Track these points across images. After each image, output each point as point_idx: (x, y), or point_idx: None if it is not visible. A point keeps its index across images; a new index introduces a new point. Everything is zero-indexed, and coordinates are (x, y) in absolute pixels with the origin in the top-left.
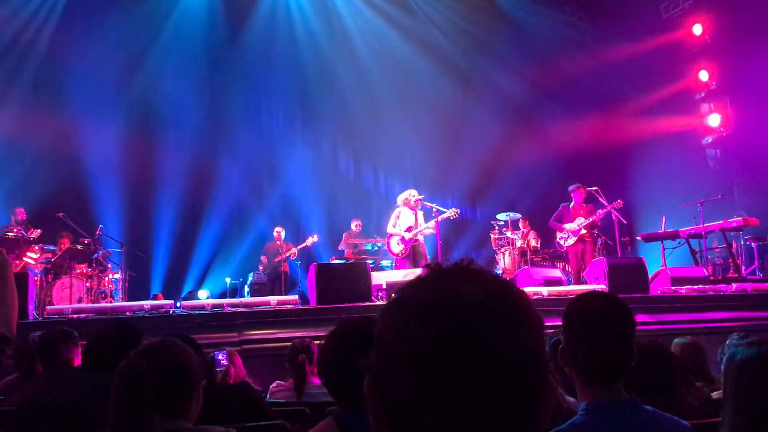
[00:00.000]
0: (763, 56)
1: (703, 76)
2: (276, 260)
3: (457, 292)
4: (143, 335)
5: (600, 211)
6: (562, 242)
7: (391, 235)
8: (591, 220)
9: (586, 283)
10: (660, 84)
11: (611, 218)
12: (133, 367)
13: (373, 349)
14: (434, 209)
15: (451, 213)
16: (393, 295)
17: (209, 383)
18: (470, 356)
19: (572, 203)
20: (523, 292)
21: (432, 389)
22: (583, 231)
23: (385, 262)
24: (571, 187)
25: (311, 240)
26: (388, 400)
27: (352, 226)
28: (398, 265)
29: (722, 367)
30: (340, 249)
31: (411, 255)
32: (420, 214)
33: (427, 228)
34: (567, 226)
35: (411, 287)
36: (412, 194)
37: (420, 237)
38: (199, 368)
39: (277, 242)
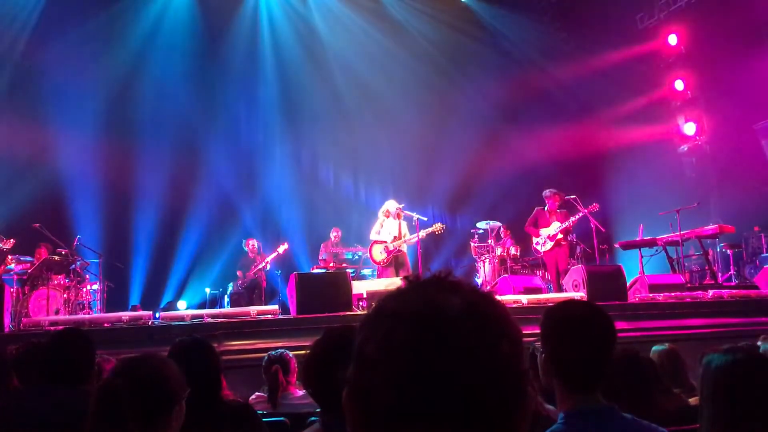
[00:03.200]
0: (738, 65)
1: (679, 85)
2: (252, 273)
3: (438, 303)
4: (91, 340)
5: (575, 216)
6: (538, 248)
7: (374, 242)
8: (567, 224)
9: (564, 291)
10: (636, 93)
11: (589, 226)
12: (110, 388)
13: (352, 360)
14: (414, 218)
15: (436, 228)
16: (373, 306)
17: (216, 397)
18: (451, 367)
19: (547, 207)
20: (502, 303)
21: (412, 400)
22: (560, 236)
23: (365, 271)
24: (546, 192)
25: (282, 248)
26: (368, 411)
27: (332, 236)
28: (380, 274)
29: (699, 373)
30: (320, 258)
31: (393, 264)
32: (404, 224)
33: (412, 239)
34: (543, 231)
35: (391, 298)
36: (393, 204)
37: (403, 247)
38: (179, 381)
39: (251, 255)
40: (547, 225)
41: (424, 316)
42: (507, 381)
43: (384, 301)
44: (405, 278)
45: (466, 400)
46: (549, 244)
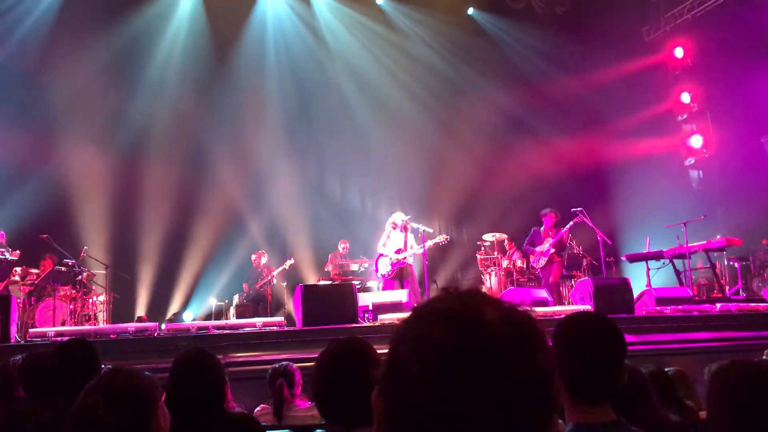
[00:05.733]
0: (744, 78)
1: (685, 98)
2: (258, 286)
3: (476, 309)
4: (96, 351)
5: (564, 229)
6: (535, 265)
7: (380, 255)
8: (557, 238)
9: (571, 304)
10: (643, 106)
11: (596, 239)
12: (86, 408)
13: (387, 361)
14: (420, 230)
15: (441, 239)
16: (413, 309)
17: (220, 409)
18: (487, 372)
19: (543, 227)
20: (537, 320)
21: (444, 402)
22: (552, 250)
23: (371, 283)
24: (543, 211)
25: (288, 263)
26: (398, 412)
27: (339, 248)
28: (385, 286)
29: (706, 387)
30: (326, 270)
31: (398, 276)
32: (410, 236)
33: (418, 250)
34: (538, 248)
35: (428, 303)
36: (400, 217)
37: (409, 258)
38: (153, 385)
39: (257, 268)
40: (542, 243)
41: (462, 319)
42: (539, 394)
43: (421, 305)
44: (443, 289)
45: (497, 408)
46: (543, 261)
